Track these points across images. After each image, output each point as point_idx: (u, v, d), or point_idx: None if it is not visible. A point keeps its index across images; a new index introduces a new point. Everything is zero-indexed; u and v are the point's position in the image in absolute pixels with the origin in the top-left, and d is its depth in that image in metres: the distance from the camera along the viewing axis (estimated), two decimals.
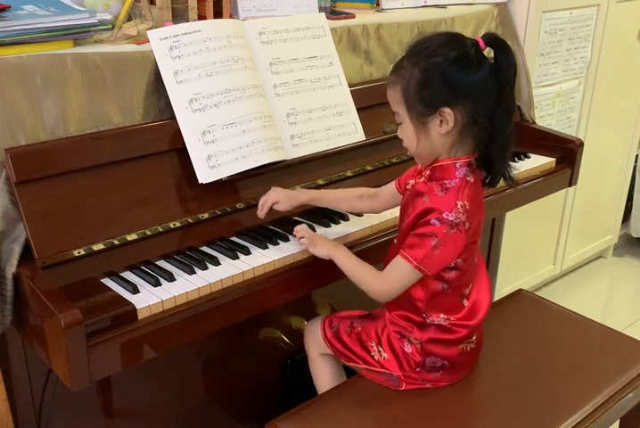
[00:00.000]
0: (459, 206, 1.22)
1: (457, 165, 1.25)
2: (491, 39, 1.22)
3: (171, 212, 1.36)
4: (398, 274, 1.26)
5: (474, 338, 1.36)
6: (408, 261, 1.23)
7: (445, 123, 1.21)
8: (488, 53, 1.23)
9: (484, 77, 1.19)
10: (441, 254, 1.22)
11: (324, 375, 1.50)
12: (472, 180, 1.26)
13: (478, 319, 1.35)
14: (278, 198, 1.41)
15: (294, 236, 1.39)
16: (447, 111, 1.20)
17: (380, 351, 1.37)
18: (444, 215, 1.21)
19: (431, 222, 1.21)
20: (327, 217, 1.51)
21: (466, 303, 1.34)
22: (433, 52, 1.21)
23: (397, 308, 1.35)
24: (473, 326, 1.34)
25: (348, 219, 1.52)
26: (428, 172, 1.28)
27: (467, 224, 1.23)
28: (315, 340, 1.48)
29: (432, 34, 1.25)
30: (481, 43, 1.21)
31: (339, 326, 1.44)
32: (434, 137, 1.24)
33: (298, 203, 1.44)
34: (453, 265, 1.28)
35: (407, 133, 1.27)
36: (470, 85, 1.19)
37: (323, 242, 1.36)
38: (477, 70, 1.19)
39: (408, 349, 1.33)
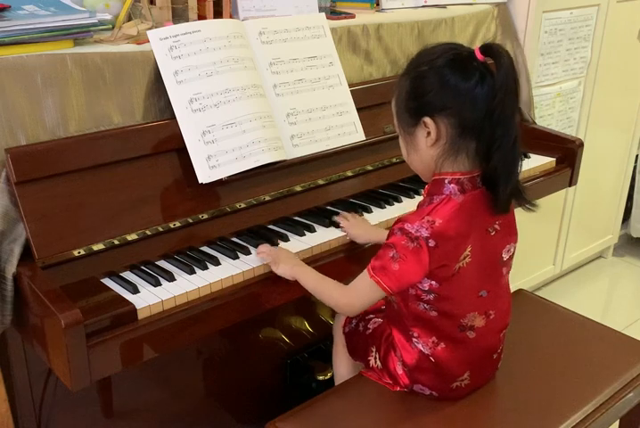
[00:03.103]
0: (425, 220, 1.15)
1: (446, 181, 1.19)
2: (486, 48, 1.15)
3: (171, 212, 1.36)
4: (360, 285, 1.21)
5: (466, 375, 1.28)
6: (368, 272, 1.19)
7: (430, 134, 1.18)
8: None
9: (472, 87, 1.13)
10: (401, 269, 1.16)
11: (343, 363, 1.49)
12: (460, 200, 1.18)
13: (467, 359, 1.27)
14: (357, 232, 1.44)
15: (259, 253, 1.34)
16: (428, 120, 1.16)
17: (376, 358, 1.36)
18: (405, 225, 1.15)
19: (394, 232, 1.17)
20: (327, 217, 1.51)
21: (471, 336, 1.26)
22: (423, 60, 1.18)
23: (394, 322, 1.33)
24: (459, 363, 1.27)
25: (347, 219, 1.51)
26: (428, 186, 1.25)
27: (432, 242, 1.14)
28: (339, 328, 1.49)
29: (432, 45, 1.21)
30: (478, 53, 1.15)
31: (357, 323, 1.44)
32: (422, 149, 1.21)
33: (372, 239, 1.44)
34: (427, 287, 1.20)
35: (400, 144, 1.26)
36: (454, 94, 1.14)
37: (285, 260, 1.31)
38: (464, 80, 1.13)
39: (399, 370, 1.31)
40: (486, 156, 1.17)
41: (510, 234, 1.28)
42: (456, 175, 1.19)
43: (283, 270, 1.30)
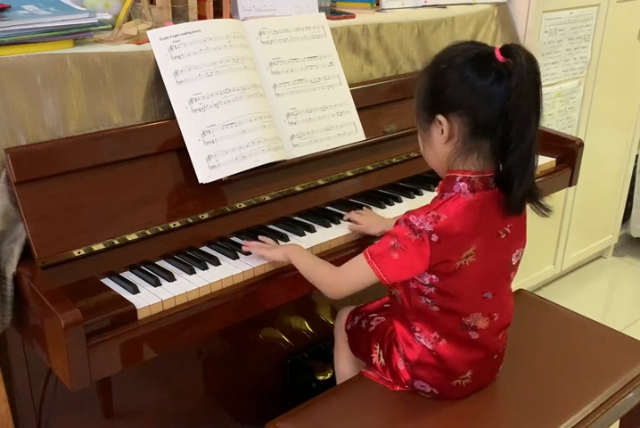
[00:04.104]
0: (430, 215, 1.16)
1: (457, 179, 1.20)
2: (505, 49, 1.15)
3: (171, 212, 1.36)
4: (353, 268, 1.21)
5: (468, 374, 1.29)
6: (364, 255, 1.19)
7: (443, 132, 1.19)
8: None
9: (487, 85, 1.13)
10: (400, 259, 1.16)
11: (344, 361, 1.50)
12: (469, 199, 1.18)
13: (468, 359, 1.28)
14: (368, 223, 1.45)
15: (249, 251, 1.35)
16: (441, 118, 1.18)
17: (380, 355, 1.36)
18: (410, 217, 1.16)
19: (399, 222, 1.18)
20: (328, 217, 1.51)
21: (474, 336, 1.27)
22: (444, 58, 1.19)
23: (397, 317, 1.33)
24: (461, 361, 1.27)
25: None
26: (441, 182, 1.25)
27: (435, 236, 1.14)
28: (340, 327, 1.49)
29: (456, 42, 1.22)
30: (498, 54, 1.15)
31: (360, 321, 1.44)
32: (436, 146, 1.22)
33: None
34: (428, 281, 1.21)
35: (418, 140, 1.27)
36: (470, 91, 1.15)
37: (278, 246, 1.34)
38: (480, 78, 1.14)
39: (401, 365, 1.31)
40: (501, 156, 1.18)
41: (520, 238, 1.27)
42: (467, 173, 1.20)
43: (279, 252, 1.30)
